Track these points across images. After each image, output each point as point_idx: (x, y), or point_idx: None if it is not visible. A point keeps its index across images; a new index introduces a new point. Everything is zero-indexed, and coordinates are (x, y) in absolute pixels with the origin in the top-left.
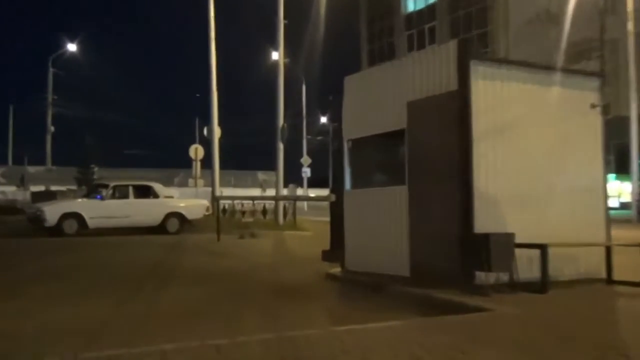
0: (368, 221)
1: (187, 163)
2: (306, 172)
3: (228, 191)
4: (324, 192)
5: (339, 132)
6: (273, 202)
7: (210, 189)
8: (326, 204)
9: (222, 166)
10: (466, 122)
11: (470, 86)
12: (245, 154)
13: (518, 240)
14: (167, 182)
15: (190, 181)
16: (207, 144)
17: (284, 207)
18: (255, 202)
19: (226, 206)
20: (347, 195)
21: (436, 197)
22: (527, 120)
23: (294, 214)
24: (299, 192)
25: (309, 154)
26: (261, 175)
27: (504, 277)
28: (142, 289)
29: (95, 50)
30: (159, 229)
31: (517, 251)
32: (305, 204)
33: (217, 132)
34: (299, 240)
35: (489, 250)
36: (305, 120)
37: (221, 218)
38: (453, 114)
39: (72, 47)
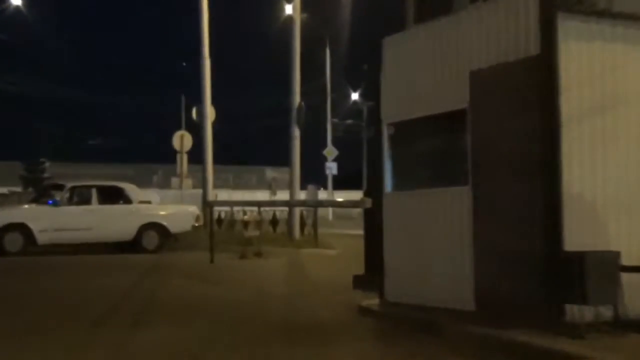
0: (416, 235)
1: (169, 156)
2: (331, 168)
3: (225, 194)
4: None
5: (376, 114)
6: (286, 209)
7: (200, 191)
8: (358, 211)
9: (217, 160)
10: (552, 99)
11: (558, 50)
12: (249, 145)
13: (626, 261)
14: (143, 182)
15: (174, 181)
16: (196, 130)
17: (301, 216)
18: (263, 209)
19: (223, 215)
20: (388, 200)
21: (511, 202)
22: (638, 97)
23: (314, 225)
24: (322, 195)
25: (335, 143)
26: (270, 172)
27: (606, 312)
28: (103, 331)
29: (47, 5)
30: (133, 245)
31: (625, 276)
32: (330, 211)
33: (210, 114)
34: (321, 262)
35: (585, 275)
36: (329, 99)
37: (216, 231)
38: (534, 89)
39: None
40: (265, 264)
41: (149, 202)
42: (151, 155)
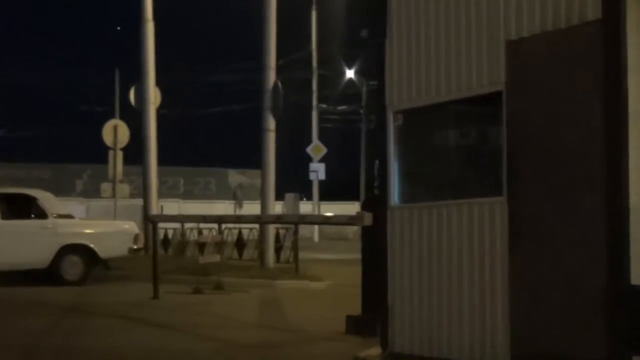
0: (432, 263)
1: (99, 154)
2: (317, 171)
3: (174, 206)
4: (351, 209)
5: (379, 99)
6: (257, 226)
7: (140, 201)
8: (354, 230)
9: (164, 160)
10: (617, 80)
11: (625, 14)
12: (207, 139)
13: None
14: (63, 189)
15: (105, 187)
16: (135, 119)
17: (277, 237)
18: (224, 226)
19: (170, 234)
20: (394, 215)
21: (560, 218)
22: None
23: (294, 248)
24: (304, 208)
25: (323, 138)
26: (235, 176)
27: None
28: None
29: None
30: (48, 274)
31: None
32: (315, 230)
33: (154, 97)
34: (304, 298)
35: None
36: (316, 76)
37: (161, 256)
38: (591, 66)
39: None
40: (228, 300)
41: (70, 217)
42: (74, 152)
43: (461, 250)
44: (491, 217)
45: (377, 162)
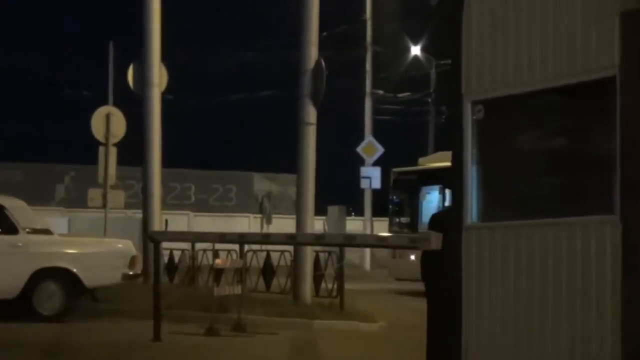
0: (523, 297)
1: (86, 151)
2: (370, 177)
3: (182, 220)
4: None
5: (453, 85)
6: (289, 249)
7: (139, 213)
8: (418, 255)
9: (171, 161)
10: None
11: None
12: (227, 135)
13: None
14: (40, 195)
15: (93, 194)
16: (134, 106)
17: (317, 263)
18: (248, 248)
19: (177, 256)
20: (471, 236)
21: None
22: None
23: (339, 277)
24: (353, 226)
25: (377, 135)
26: (262, 181)
27: None
28: None
29: None
30: (18, 307)
31: None
32: (367, 254)
33: (159, 78)
34: (351, 345)
35: None
36: (370, 54)
37: (166, 285)
38: None
39: None
40: (251, 345)
41: (47, 232)
42: (54, 148)
43: (559, 279)
44: (599, 242)
45: (450, 167)
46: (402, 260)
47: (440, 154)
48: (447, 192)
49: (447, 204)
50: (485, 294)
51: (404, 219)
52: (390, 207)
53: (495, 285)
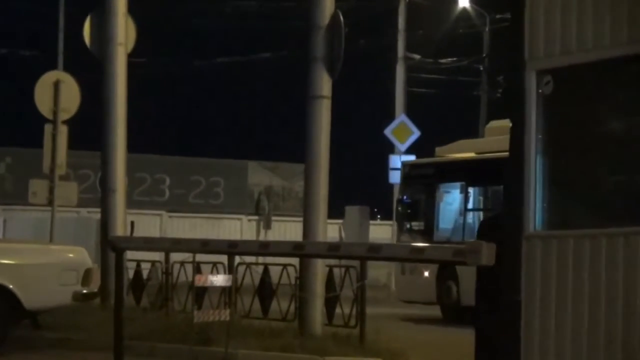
0: (598, 328)
1: (26, 131)
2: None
3: (153, 222)
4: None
5: (514, 49)
6: (294, 262)
7: (96, 212)
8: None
9: (139, 144)
10: None
11: None
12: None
13: None
14: None
15: (36, 187)
16: (90, 71)
17: (330, 281)
18: (239, 260)
19: (147, 270)
20: (534, 248)
21: None
22: None
23: (359, 300)
24: (379, 232)
25: (412, 113)
26: (260, 172)
27: None
28: None
29: None
30: None
31: None
32: (394, 270)
33: (124, 33)
34: None
35: None
36: (404, 7)
37: (131, 308)
38: None
39: None
40: None
41: None
42: None
43: None
44: None
45: (508, 156)
46: (413, 277)
47: (462, 142)
48: (472, 190)
49: (470, 205)
50: (551, 323)
51: (416, 224)
52: (400, 209)
53: (565, 311)
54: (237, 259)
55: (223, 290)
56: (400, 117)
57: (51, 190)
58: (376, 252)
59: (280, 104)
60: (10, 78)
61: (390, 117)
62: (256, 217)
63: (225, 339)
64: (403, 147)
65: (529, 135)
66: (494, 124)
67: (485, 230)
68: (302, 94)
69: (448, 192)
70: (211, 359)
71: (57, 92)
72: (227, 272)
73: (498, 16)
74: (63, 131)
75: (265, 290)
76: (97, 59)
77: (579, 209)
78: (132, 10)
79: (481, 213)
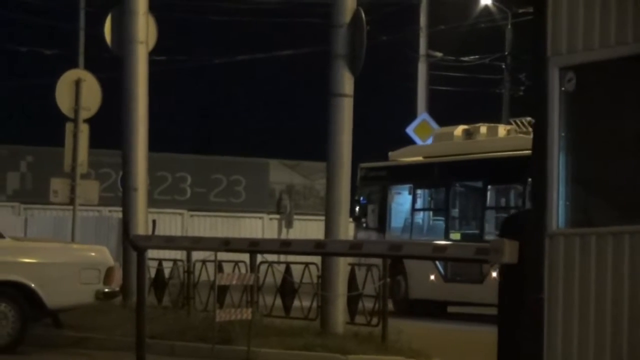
0: (620, 327)
1: (47, 130)
2: None
3: (175, 221)
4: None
5: (536, 46)
6: (316, 259)
7: (117, 211)
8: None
9: (160, 143)
10: None
11: None
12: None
13: None
14: None
15: (57, 185)
16: (111, 69)
17: (352, 279)
18: (261, 258)
19: (168, 269)
20: (557, 246)
21: None
22: None
23: (382, 300)
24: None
25: (434, 111)
26: (281, 170)
27: None
28: None
29: None
30: None
31: None
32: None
33: (145, 32)
34: None
35: None
36: (425, 5)
37: (153, 307)
38: None
39: None
40: None
41: None
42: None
43: None
44: None
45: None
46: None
47: (412, 147)
48: (420, 192)
49: (417, 206)
50: (574, 321)
51: (371, 223)
52: (357, 209)
53: (588, 308)
54: (259, 257)
55: (245, 289)
56: (422, 115)
57: (72, 189)
58: (398, 250)
59: (301, 101)
60: (31, 76)
61: (412, 115)
62: (277, 216)
63: (247, 338)
64: (425, 143)
65: (551, 133)
66: (441, 130)
67: (508, 228)
68: (324, 92)
69: (399, 193)
70: (233, 358)
71: (78, 91)
72: (249, 270)
73: (521, 10)
74: (84, 130)
75: (287, 288)
76: (118, 57)
77: (602, 206)
78: (152, 8)
79: (430, 212)
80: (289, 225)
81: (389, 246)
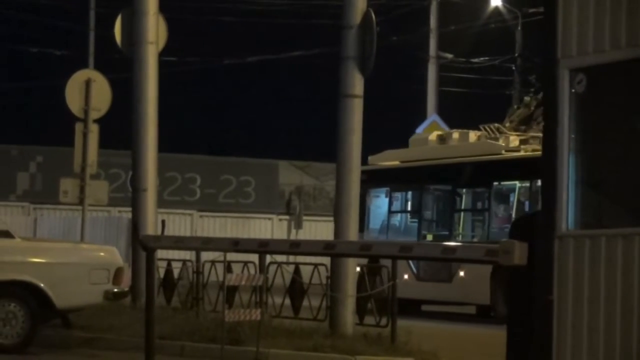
0: (630, 328)
1: (57, 130)
2: None
3: (184, 222)
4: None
5: (546, 48)
6: (325, 261)
7: (127, 211)
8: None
9: (169, 144)
10: None
11: None
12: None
13: None
14: None
15: (67, 185)
16: (121, 70)
17: (361, 280)
18: (270, 259)
19: (177, 269)
20: (566, 247)
21: None
22: None
23: (391, 301)
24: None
25: (444, 112)
26: (290, 172)
27: None
28: None
29: None
30: None
31: None
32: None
33: (155, 32)
34: None
35: None
36: (435, 6)
37: (162, 308)
38: None
39: None
40: None
41: (6, 235)
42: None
43: None
44: None
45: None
46: None
47: (388, 152)
48: (395, 195)
49: (394, 208)
50: (584, 323)
51: None
52: None
53: (597, 310)
54: (269, 258)
55: (254, 289)
56: (432, 117)
57: (82, 190)
58: (407, 251)
59: (311, 102)
60: (41, 77)
61: (422, 117)
62: (287, 217)
63: (257, 339)
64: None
65: (561, 134)
66: (417, 136)
67: (517, 229)
68: (334, 93)
69: (377, 196)
70: (242, 359)
71: (88, 91)
72: (258, 271)
73: (531, 10)
74: (94, 130)
75: (296, 289)
76: (128, 58)
77: (612, 208)
78: (162, 8)
79: (405, 214)
80: (299, 226)
81: (400, 247)
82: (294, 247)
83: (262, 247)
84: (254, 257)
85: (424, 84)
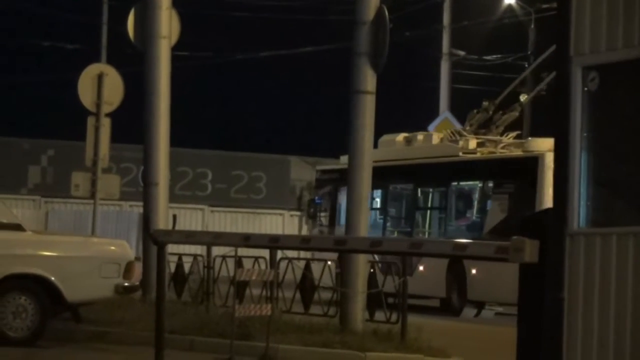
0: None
1: (68, 124)
2: None
3: (195, 216)
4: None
5: (559, 45)
6: (335, 256)
7: (138, 205)
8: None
9: (181, 139)
10: None
11: None
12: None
13: None
14: (6, 181)
15: (78, 179)
16: (133, 64)
17: (372, 276)
18: (282, 255)
19: (188, 264)
20: (577, 245)
21: None
22: None
23: (401, 296)
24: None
25: (457, 110)
26: (302, 167)
27: None
28: None
29: None
30: None
31: None
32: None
33: (168, 27)
34: None
35: None
36: (448, 3)
37: (173, 302)
38: None
39: None
40: None
41: (17, 228)
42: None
43: None
44: None
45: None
46: None
47: None
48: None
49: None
50: (594, 321)
51: (324, 221)
52: (312, 208)
53: (608, 308)
54: (279, 253)
55: (264, 284)
56: (444, 114)
57: (93, 183)
58: (417, 247)
59: (323, 98)
60: (54, 71)
61: (434, 114)
62: (298, 213)
63: (266, 334)
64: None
65: (574, 132)
66: (386, 137)
67: (527, 226)
68: (346, 89)
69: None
70: (251, 354)
71: (100, 85)
72: (269, 266)
73: (544, 6)
74: (106, 124)
75: (306, 285)
76: (141, 52)
77: (623, 206)
78: (175, 3)
79: (373, 212)
80: (313, 226)
81: (410, 244)
82: (305, 242)
83: (273, 242)
84: (265, 253)
85: (437, 81)
